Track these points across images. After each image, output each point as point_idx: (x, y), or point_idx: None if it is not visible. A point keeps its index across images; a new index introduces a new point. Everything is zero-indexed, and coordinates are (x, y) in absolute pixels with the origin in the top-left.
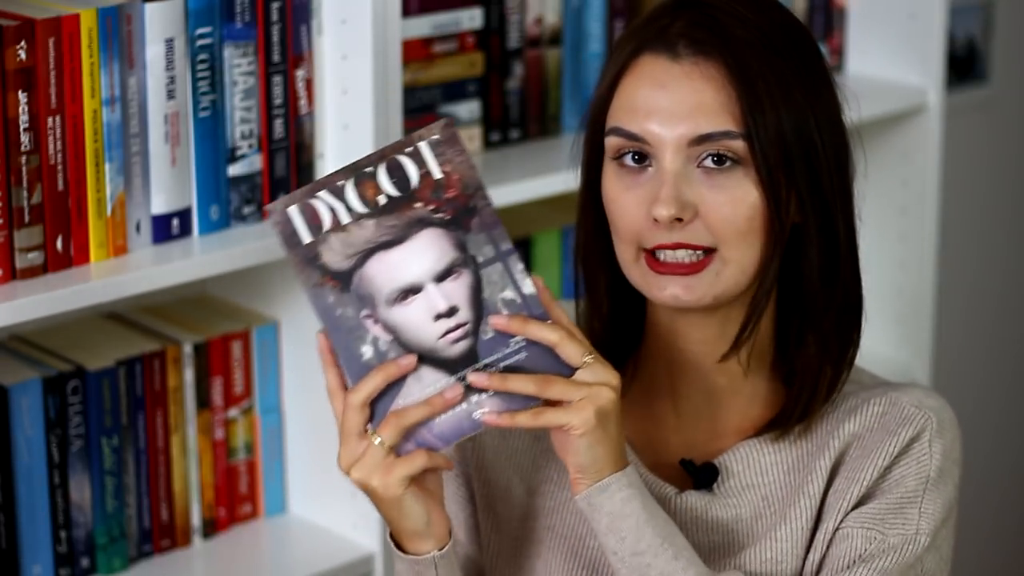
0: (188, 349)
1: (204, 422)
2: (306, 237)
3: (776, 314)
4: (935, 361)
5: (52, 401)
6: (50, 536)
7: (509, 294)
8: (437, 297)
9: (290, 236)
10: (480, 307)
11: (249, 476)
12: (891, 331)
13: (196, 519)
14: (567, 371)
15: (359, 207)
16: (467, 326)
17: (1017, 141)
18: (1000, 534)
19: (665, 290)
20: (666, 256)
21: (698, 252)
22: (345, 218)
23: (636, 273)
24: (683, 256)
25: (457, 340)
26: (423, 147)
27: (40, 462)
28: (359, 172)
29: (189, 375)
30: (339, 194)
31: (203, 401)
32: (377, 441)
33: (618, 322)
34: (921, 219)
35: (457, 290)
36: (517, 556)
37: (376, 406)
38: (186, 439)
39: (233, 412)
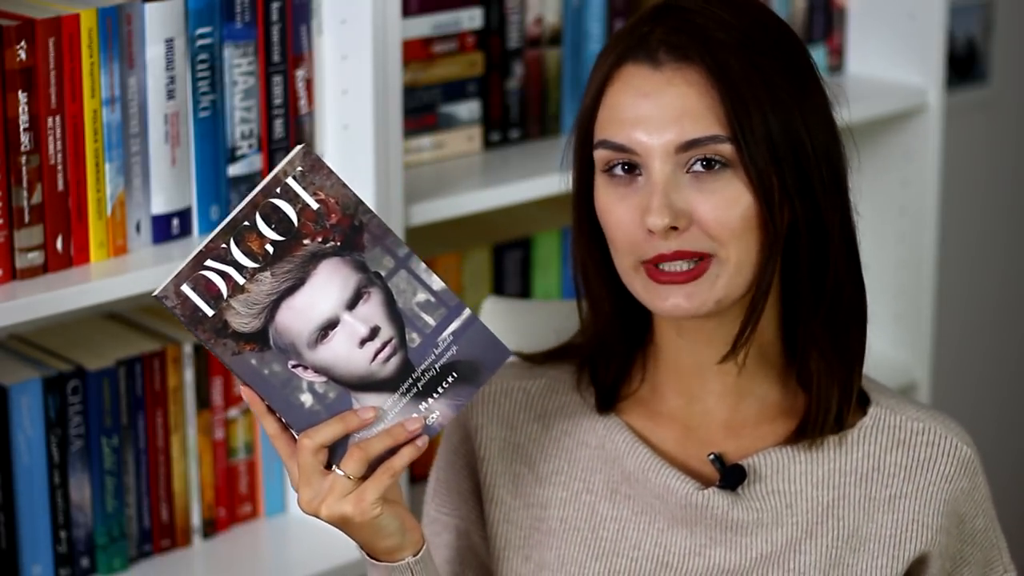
0: (188, 349)
1: (204, 422)
2: (208, 311)
3: (780, 316)
4: (935, 361)
5: (52, 401)
6: (50, 536)
7: (422, 296)
8: (355, 324)
9: (192, 314)
10: (399, 319)
11: (249, 476)
12: (891, 331)
13: (196, 519)
14: (500, 357)
15: (249, 263)
16: (393, 342)
17: (1017, 141)
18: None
19: (667, 300)
20: (666, 266)
21: (695, 259)
22: (240, 279)
23: (637, 284)
24: (681, 265)
25: (388, 358)
26: (291, 183)
27: (40, 462)
28: (237, 228)
29: (189, 375)
30: (225, 257)
31: (203, 401)
32: (341, 474)
33: (623, 320)
34: (921, 219)
35: (372, 311)
36: (527, 547)
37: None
38: (186, 439)
39: (233, 412)
